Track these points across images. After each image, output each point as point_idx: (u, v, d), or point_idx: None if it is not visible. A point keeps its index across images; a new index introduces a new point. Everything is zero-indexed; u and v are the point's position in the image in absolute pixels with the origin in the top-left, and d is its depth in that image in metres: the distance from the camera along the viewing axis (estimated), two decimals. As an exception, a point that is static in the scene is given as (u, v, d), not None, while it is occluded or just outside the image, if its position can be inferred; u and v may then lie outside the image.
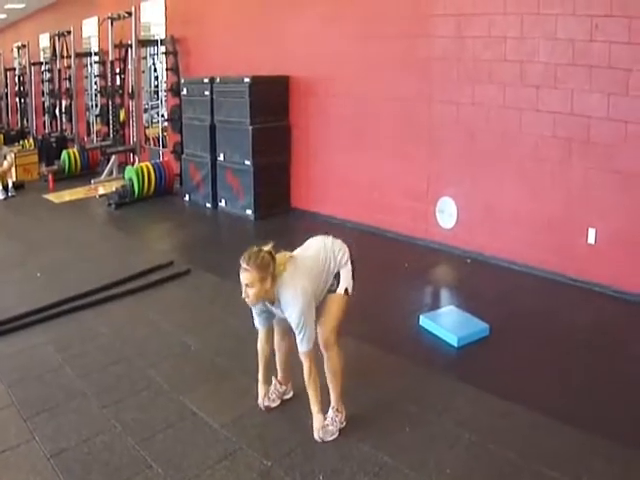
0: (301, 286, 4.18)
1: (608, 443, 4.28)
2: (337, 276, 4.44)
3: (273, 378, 4.83)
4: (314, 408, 4.40)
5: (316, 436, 4.37)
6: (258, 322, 4.59)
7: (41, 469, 4.15)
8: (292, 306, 4.16)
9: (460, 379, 5.22)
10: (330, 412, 4.44)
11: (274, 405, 4.80)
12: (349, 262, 4.51)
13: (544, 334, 6.12)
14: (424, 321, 6.25)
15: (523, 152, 7.72)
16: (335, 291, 4.42)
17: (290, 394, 4.89)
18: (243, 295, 4.19)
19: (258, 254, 4.12)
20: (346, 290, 4.43)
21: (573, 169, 7.27)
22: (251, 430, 4.55)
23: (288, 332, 4.56)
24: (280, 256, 4.26)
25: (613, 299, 6.94)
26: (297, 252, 4.48)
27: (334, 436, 4.38)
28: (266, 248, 4.19)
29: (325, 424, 4.40)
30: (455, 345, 5.81)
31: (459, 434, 4.43)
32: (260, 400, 4.77)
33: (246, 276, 4.11)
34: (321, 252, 4.45)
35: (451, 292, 7.60)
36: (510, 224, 7.97)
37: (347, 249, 4.60)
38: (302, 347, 4.22)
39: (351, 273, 4.49)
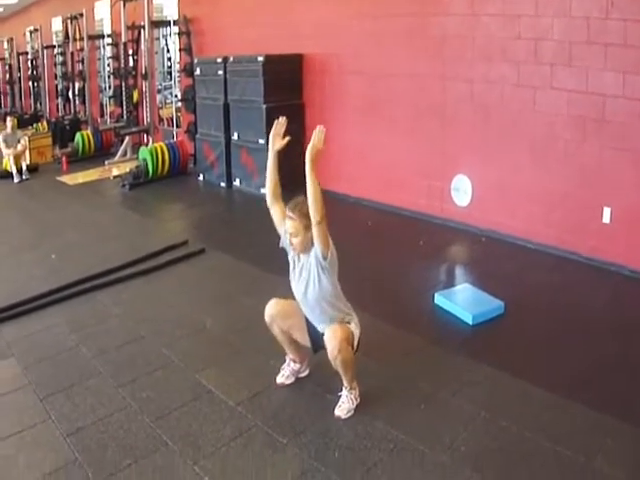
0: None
1: (622, 423, 4.28)
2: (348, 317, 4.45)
3: (287, 357, 4.84)
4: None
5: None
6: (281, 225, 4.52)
7: (58, 448, 4.18)
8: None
9: (474, 357, 5.21)
10: (344, 391, 4.44)
11: (288, 382, 4.83)
12: (354, 324, 4.46)
13: (559, 313, 6.11)
14: (439, 299, 6.24)
15: (537, 130, 7.68)
16: (350, 322, 4.41)
17: (306, 372, 4.90)
18: (287, 243, 4.36)
19: (304, 203, 4.20)
20: (353, 335, 4.37)
21: (588, 147, 7.22)
22: (266, 408, 4.57)
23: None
24: None
25: (628, 278, 6.91)
26: None
27: (350, 413, 4.39)
28: None
29: (340, 402, 4.42)
30: (470, 323, 5.80)
31: (473, 412, 4.43)
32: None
33: (292, 225, 4.27)
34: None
35: (466, 270, 7.58)
36: (525, 202, 7.94)
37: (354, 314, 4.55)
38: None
39: (358, 336, 4.43)
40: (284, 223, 4.39)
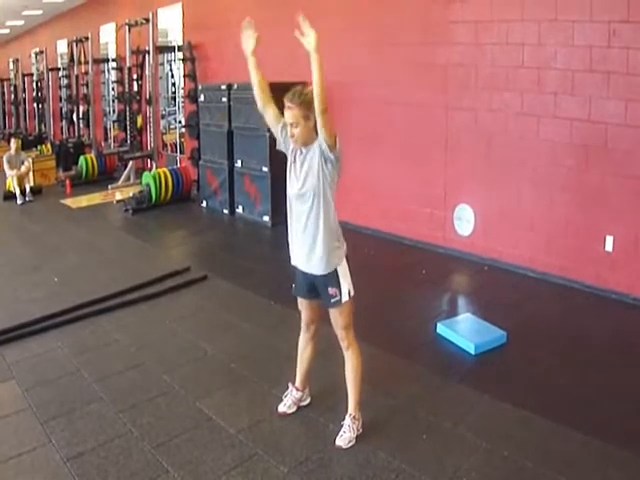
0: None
1: (624, 452, 4.26)
2: (335, 277, 4.34)
3: (289, 384, 4.83)
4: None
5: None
6: (282, 124, 4.38)
7: (58, 472, 4.17)
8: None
9: (477, 387, 5.19)
10: (347, 419, 4.42)
11: (290, 412, 4.79)
12: (345, 260, 4.41)
13: (561, 342, 6.09)
14: (441, 328, 6.23)
15: (540, 159, 7.70)
16: (340, 302, 4.34)
17: (307, 400, 4.89)
18: (289, 135, 4.21)
19: (302, 91, 4.13)
20: (349, 293, 4.35)
21: (590, 175, 7.23)
22: (267, 436, 4.54)
23: (316, 326, 4.66)
24: None
25: (631, 307, 6.90)
26: None
27: (351, 443, 4.36)
28: (311, 87, 4.13)
29: (342, 432, 4.40)
30: (472, 352, 5.78)
31: (476, 442, 4.41)
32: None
33: (290, 114, 4.13)
34: None
35: (468, 299, 7.57)
36: (527, 231, 7.94)
37: (345, 244, 4.48)
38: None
39: (348, 270, 4.40)
40: (278, 124, 4.36)
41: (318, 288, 4.40)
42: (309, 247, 4.29)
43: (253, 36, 4.56)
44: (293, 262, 4.47)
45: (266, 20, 11.38)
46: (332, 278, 4.32)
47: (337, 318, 4.39)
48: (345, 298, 4.33)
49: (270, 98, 4.50)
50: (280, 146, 4.45)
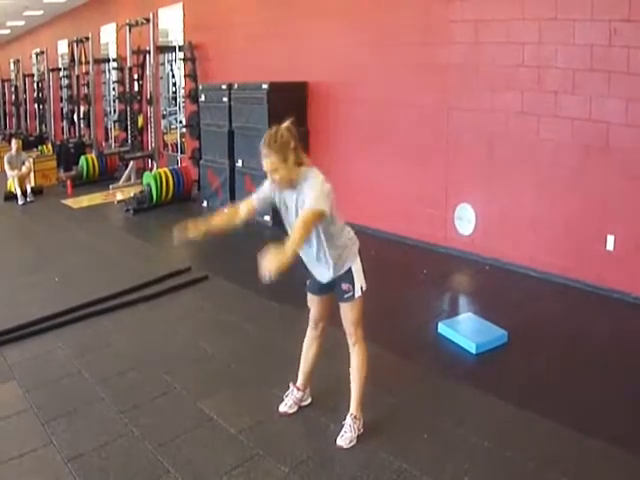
0: (326, 181, 4.17)
1: (627, 455, 4.24)
2: (349, 274, 4.38)
3: (291, 384, 4.82)
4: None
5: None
6: (258, 201, 4.56)
7: (59, 473, 4.15)
8: (313, 186, 4.12)
9: (478, 386, 5.18)
10: (348, 419, 4.41)
11: (291, 412, 4.78)
12: (358, 256, 4.49)
13: (562, 341, 6.09)
14: (442, 328, 6.22)
15: (541, 158, 7.69)
16: (353, 297, 4.36)
17: (308, 400, 4.88)
18: (271, 182, 4.28)
19: (276, 134, 4.13)
20: (361, 289, 4.39)
21: (591, 175, 7.22)
22: (268, 436, 4.53)
23: (324, 324, 4.67)
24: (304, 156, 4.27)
25: (633, 306, 6.89)
26: None
27: (352, 443, 4.35)
28: (284, 125, 4.20)
29: (343, 431, 4.39)
30: (473, 352, 5.77)
31: (477, 442, 4.40)
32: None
33: (269, 162, 4.14)
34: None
35: (469, 299, 7.57)
36: (528, 230, 7.94)
37: (356, 239, 4.58)
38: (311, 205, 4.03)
39: (361, 266, 4.46)
40: (256, 203, 4.60)
41: (332, 285, 4.43)
42: (324, 268, 4.37)
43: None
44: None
45: (266, 20, 11.48)
46: (346, 275, 4.37)
47: (347, 314, 4.40)
48: (358, 293, 4.37)
49: (240, 213, 4.83)
50: (268, 203, 4.60)
